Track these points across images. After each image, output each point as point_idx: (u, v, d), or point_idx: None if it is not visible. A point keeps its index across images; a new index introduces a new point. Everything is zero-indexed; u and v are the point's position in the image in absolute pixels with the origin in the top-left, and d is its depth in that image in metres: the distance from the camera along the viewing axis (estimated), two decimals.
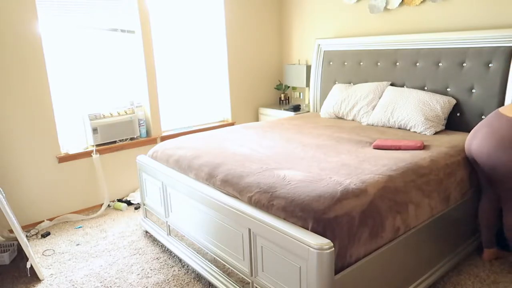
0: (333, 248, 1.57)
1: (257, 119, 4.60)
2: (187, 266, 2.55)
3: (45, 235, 3.05)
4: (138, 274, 2.49)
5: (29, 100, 3.08)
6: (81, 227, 3.19)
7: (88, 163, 3.44)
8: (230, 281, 2.14)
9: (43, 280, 2.47)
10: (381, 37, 3.40)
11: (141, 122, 3.72)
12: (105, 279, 2.45)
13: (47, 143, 3.21)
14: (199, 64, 4.13)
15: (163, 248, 2.79)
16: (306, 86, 4.23)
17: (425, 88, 3.11)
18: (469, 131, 2.82)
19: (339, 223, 1.68)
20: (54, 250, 2.84)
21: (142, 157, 2.88)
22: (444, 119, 2.87)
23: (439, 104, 2.84)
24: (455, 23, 3.07)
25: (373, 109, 3.21)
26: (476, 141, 2.25)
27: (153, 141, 3.78)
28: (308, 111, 4.20)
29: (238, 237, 1.99)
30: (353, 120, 3.37)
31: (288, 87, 4.58)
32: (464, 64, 2.88)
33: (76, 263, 2.65)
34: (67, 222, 3.29)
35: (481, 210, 2.45)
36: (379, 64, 3.45)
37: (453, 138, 2.63)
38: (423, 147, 2.42)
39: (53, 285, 2.42)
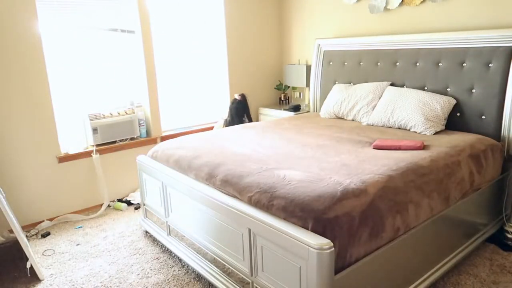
0: (333, 248, 1.57)
1: (257, 119, 4.60)
2: (187, 266, 2.55)
3: (45, 235, 3.05)
4: (138, 274, 2.49)
5: (29, 100, 3.08)
6: (81, 227, 3.19)
7: (88, 163, 3.44)
8: (230, 281, 2.14)
9: (43, 280, 2.47)
10: (381, 37, 3.40)
11: (141, 122, 3.72)
12: (105, 279, 2.45)
13: (47, 143, 3.21)
14: (199, 64, 4.13)
15: (163, 248, 2.79)
16: (306, 86, 4.23)
17: (425, 88, 3.11)
18: (469, 131, 2.82)
19: (339, 223, 1.68)
20: (54, 250, 2.84)
21: (142, 157, 2.88)
22: (444, 119, 2.87)
23: (439, 104, 2.84)
24: (455, 23, 3.07)
25: (373, 109, 3.21)
26: None
27: (153, 141, 3.78)
28: (308, 111, 4.20)
29: (238, 237, 1.99)
30: (353, 120, 3.37)
31: (288, 87, 4.58)
32: (464, 64, 2.88)
33: (76, 263, 2.65)
34: (67, 222, 3.29)
35: None
36: (379, 64, 3.45)
37: (453, 138, 2.63)
38: (423, 147, 2.42)
39: (53, 285, 2.42)
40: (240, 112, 3.60)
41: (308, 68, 4.16)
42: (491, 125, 2.74)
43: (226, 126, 3.62)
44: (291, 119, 3.53)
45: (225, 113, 3.74)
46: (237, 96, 3.62)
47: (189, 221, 2.43)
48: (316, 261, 1.56)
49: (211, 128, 4.10)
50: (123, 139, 3.61)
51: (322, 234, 1.63)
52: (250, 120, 3.67)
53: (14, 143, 3.06)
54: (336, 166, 2.13)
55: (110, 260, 2.67)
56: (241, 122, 3.63)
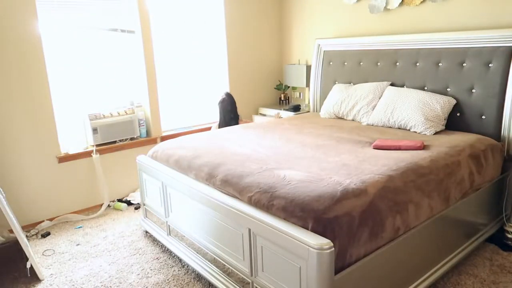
0: (333, 248, 1.57)
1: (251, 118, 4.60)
2: (187, 266, 2.55)
3: (45, 235, 3.05)
4: (138, 274, 2.49)
5: (29, 100, 3.08)
6: (81, 227, 3.19)
7: (88, 163, 3.44)
8: (230, 281, 2.14)
9: (43, 280, 2.47)
10: (381, 37, 3.40)
11: (141, 122, 3.72)
12: (105, 279, 2.45)
13: (47, 143, 3.21)
14: (199, 64, 4.13)
15: (163, 248, 2.79)
16: (306, 86, 4.23)
17: (425, 88, 3.11)
18: (469, 131, 2.83)
19: (339, 223, 1.68)
20: (54, 250, 2.84)
21: (142, 157, 2.88)
22: (444, 119, 2.87)
23: (439, 104, 2.84)
24: (455, 23, 3.07)
25: (373, 109, 3.21)
26: None
27: (153, 141, 3.78)
28: (308, 111, 4.20)
29: (238, 237, 1.99)
30: (353, 120, 3.37)
31: (288, 87, 4.58)
32: (464, 64, 2.88)
33: (76, 263, 2.65)
34: (67, 222, 3.29)
35: None
36: (379, 64, 3.45)
37: (453, 138, 2.63)
38: (423, 147, 2.42)
39: (53, 285, 2.42)
40: (228, 111, 3.64)
41: (308, 68, 4.16)
42: (491, 125, 2.74)
43: (219, 126, 3.65)
44: (291, 119, 3.53)
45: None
46: (222, 95, 3.68)
47: (189, 221, 2.43)
48: (316, 261, 1.56)
49: (209, 128, 4.11)
50: (123, 139, 3.61)
51: (322, 234, 1.63)
52: (236, 118, 3.68)
53: (14, 143, 3.06)
54: (336, 166, 2.13)
55: (110, 260, 2.67)
56: (232, 120, 3.66)
